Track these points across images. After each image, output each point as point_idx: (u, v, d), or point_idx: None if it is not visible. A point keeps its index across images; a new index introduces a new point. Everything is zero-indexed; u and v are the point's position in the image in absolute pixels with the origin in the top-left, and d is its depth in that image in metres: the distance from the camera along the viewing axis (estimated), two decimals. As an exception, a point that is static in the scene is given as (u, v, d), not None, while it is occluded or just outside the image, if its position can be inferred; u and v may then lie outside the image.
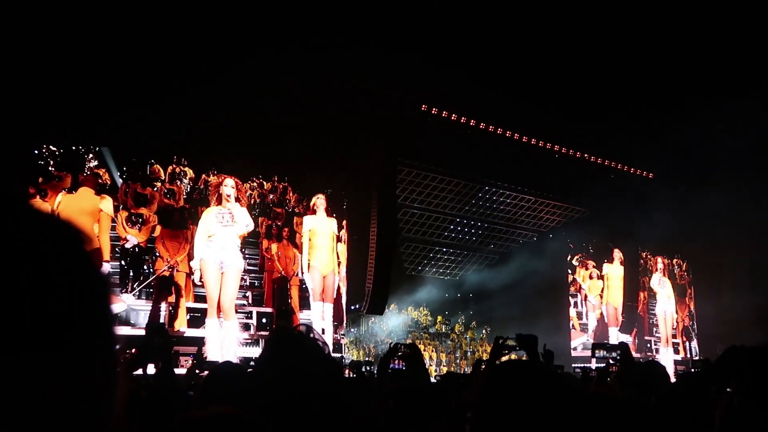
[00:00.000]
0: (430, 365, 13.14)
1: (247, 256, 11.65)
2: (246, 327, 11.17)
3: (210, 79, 9.74)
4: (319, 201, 12.02)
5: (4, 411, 0.49)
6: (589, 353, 10.38)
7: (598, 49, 12.20)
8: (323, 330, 11.80)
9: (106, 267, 9.88)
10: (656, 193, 16.50)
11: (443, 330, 15.14)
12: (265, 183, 12.22)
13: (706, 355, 14.27)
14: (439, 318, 15.33)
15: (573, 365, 11.87)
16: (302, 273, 11.88)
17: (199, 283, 10.78)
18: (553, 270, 16.58)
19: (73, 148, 10.03)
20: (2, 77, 8.46)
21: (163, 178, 10.94)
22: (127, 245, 10.43)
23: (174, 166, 11.13)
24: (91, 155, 10.10)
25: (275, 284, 11.80)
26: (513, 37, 11.78)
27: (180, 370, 7.60)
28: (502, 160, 14.62)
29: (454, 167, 14.59)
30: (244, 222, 10.85)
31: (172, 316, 10.54)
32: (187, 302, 10.77)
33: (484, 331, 15.30)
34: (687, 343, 18.13)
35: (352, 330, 13.48)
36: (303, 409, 1.49)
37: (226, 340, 10.35)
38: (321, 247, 11.91)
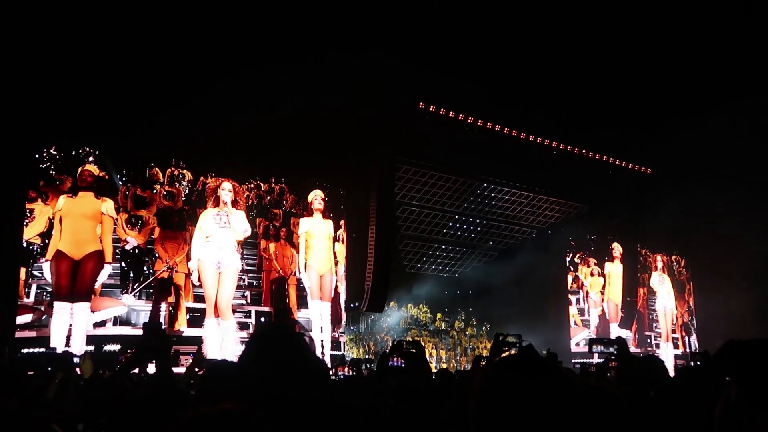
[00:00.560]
0: (430, 362, 13.16)
1: (245, 256, 11.68)
2: (244, 326, 11.20)
3: (208, 83, 9.72)
4: (316, 201, 12.08)
5: None
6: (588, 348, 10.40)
7: (597, 46, 12.18)
8: (321, 328, 11.86)
9: (108, 269, 9.94)
10: (655, 189, 16.52)
11: (443, 327, 15.16)
12: (262, 185, 12.24)
13: (706, 349, 14.30)
14: (439, 315, 15.34)
15: (573, 361, 11.87)
16: (299, 272, 11.97)
17: (197, 284, 10.82)
18: (553, 266, 16.58)
19: (74, 153, 10.04)
20: (4, 81, 8.47)
21: (162, 180, 10.98)
22: (127, 247, 10.50)
23: (173, 168, 11.16)
24: (92, 158, 10.11)
25: (273, 284, 11.87)
26: (511, 35, 11.77)
27: (180, 369, 7.61)
28: (501, 157, 14.60)
29: (453, 164, 14.56)
30: (241, 228, 10.94)
31: (172, 316, 10.58)
32: (186, 302, 10.81)
33: (483, 328, 15.30)
34: (686, 338, 18.18)
35: (352, 328, 13.49)
36: (296, 404, 1.49)
37: (225, 340, 10.39)
38: (317, 248, 12.02)
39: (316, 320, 11.90)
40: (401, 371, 3.69)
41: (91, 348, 8.50)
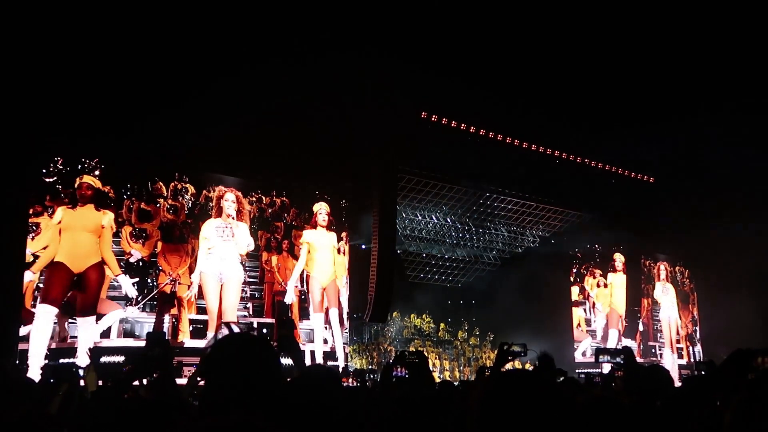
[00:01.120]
0: (434, 372, 13.11)
1: (247, 268, 11.69)
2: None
3: (208, 83, 9.70)
4: (321, 216, 12.12)
5: None
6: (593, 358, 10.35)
7: (599, 54, 12.20)
8: (332, 334, 12.01)
9: (126, 278, 9.96)
10: (658, 197, 16.48)
11: (446, 337, 15.10)
12: (264, 198, 12.25)
13: (711, 359, 14.23)
14: (442, 325, 15.29)
15: (576, 371, 11.81)
16: (300, 284, 11.97)
17: (191, 297, 10.83)
18: (556, 275, 16.54)
19: (79, 167, 10.05)
20: (7, 92, 8.51)
21: (165, 194, 11.02)
22: (132, 259, 10.53)
23: (176, 182, 11.19)
24: (97, 172, 10.13)
25: (275, 296, 11.87)
26: (513, 44, 11.78)
27: (183, 381, 7.59)
28: (503, 167, 14.60)
29: (455, 174, 14.57)
30: (245, 242, 10.99)
31: (175, 327, 10.58)
32: (189, 314, 10.82)
33: (487, 338, 15.25)
34: (691, 348, 18.11)
35: (355, 338, 13.46)
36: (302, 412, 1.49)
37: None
38: (320, 260, 12.07)
39: (320, 331, 11.90)
40: (405, 381, 3.68)
41: (88, 361, 8.46)
